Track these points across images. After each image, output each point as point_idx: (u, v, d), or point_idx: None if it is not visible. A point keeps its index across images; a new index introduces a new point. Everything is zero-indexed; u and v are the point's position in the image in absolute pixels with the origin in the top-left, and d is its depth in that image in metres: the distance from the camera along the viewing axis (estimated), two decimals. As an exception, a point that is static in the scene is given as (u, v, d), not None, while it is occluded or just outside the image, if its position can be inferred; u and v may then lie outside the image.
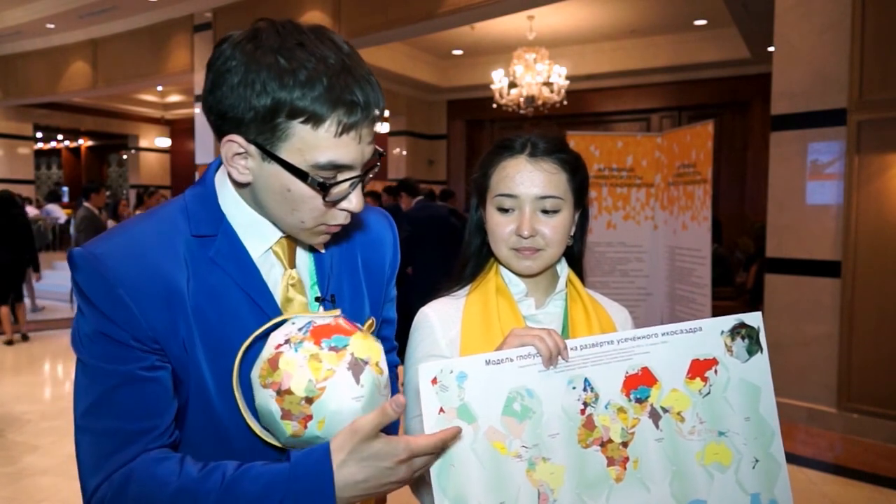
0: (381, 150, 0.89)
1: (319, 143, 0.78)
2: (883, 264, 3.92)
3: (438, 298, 1.12)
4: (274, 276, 0.90)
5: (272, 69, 0.76)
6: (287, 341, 0.80)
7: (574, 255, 1.15)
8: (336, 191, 0.82)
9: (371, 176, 0.89)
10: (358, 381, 0.79)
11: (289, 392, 0.77)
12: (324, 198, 0.82)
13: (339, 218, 0.86)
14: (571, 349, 0.90)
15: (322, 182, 0.80)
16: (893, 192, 3.90)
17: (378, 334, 1.07)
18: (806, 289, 4.22)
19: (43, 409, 4.55)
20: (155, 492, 0.76)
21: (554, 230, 1.04)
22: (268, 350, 0.81)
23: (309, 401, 0.77)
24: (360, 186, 0.85)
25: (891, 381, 3.91)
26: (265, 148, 0.79)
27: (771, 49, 4.60)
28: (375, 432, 0.75)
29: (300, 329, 0.81)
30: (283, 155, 0.79)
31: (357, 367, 0.79)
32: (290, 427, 0.78)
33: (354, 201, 0.85)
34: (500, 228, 1.05)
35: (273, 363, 0.79)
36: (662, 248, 4.65)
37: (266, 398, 0.79)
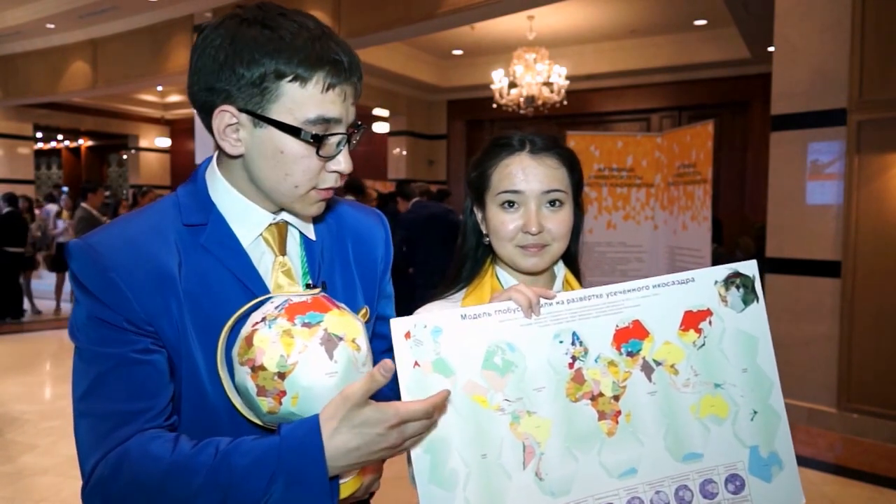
0: (363, 123, 0.93)
1: (307, 99, 0.82)
2: (883, 264, 3.92)
3: (434, 302, 1.12)
4: (265, 263, 0.92)
5: (258, 39, 0.81)
6: (263, 319, 0.81)
7: (570, 255, 1.15)
8: (327, 146, 0.85)
9: (355, 142, 0.91)
10: (331, 357, 0.79)
11: (262, 368, 0.78)
12: (317, 151, 0.84)
13: (330, 180, 0.89)
14: (558, 303, 0.90)
15: (315, 134, 0.83)
16: (893, 192, 3.90)
17: (376, 332, 1.08)
18: (806, 289, 4.22)
19: (42, 409, 4.55)
20: (149, 468, 0.77)
21: (560, 224, 1.05)
22: (245, 328, 0.82)
23: (281, 376, 0.77)
24: (347, 148, 0.88)
25: (891, 381, 3.91)
26: (256, 113, 0.83)
27: (771, 49, 4.60)
28: (365, 399, 0.75)
29: (276, 307, 0.82)
30: (274, 116, 0.82)
31: (330, 342, 0.79)
32: (265, 403, 0.79)
33: (343, 162, 0.88)
34: (505, 226, 1.05)
35: (248, 340, 0.80)
36: (662, 248, 4.65)
37: (243, 375, 0.80)
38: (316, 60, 0.81)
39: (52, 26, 9.46)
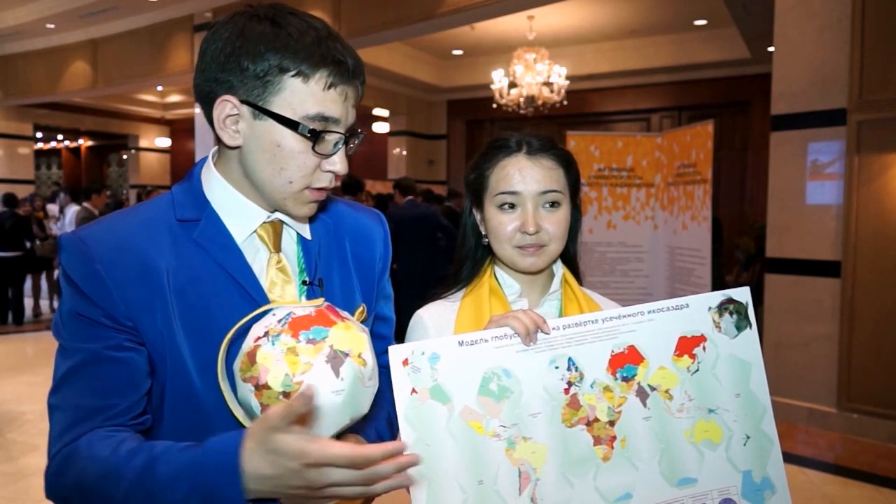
0: (362, 130, 0.93)
1: (309, 95, 0.83)
2: (883, 264, 3.92)
3: (434, 301, 1.13)
4: (260, 260, 0.92)
5: (265, 34, 0.82)
6: (266, 334, 0.78)
7: (569, 255, 1.15)
8: (324, 143, 0.85)
9: (353, 146, 0.91)
10: (338, 375, 0.76)
11: (266, 387, 0.75)
12: (313, 147, 0.84)
13: (324, 180, 0.88)
14: (554, 329, 0.90)
15: (313, 129, 0.83)
16: (893, 192, 3.90)
17: (374, 333, 1.07)
18: (806, 289, 4.22)
19: (42, 408, 4.54)
20: (88, 467, 0.77)
21: (557, 225, 1.05)
22: (248, 343, 0.79)
23: (286, 395, 0.75)
24: (343, 150, 0.88)
25: (891, 381, 3.91)
26: (257, 105, 0.83)
27: (771, 49, 4.60)
28: (284, 424, 0.67)
29: (279, 321, 0.79)
30: (275, 110, 0.83)
31: (336, 359, 0.77)
32: None
33: (339, 164, 0.88)
34: (503, 227, 1.06)
35: (251, 357, 0.77)
36: (662, 248, 4.65)
37: (246, 392, 0.78)
38: (320, 59, 0.82)
39: (52, 26, 9.46)
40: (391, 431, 1.00)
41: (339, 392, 0.76)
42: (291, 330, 0.78)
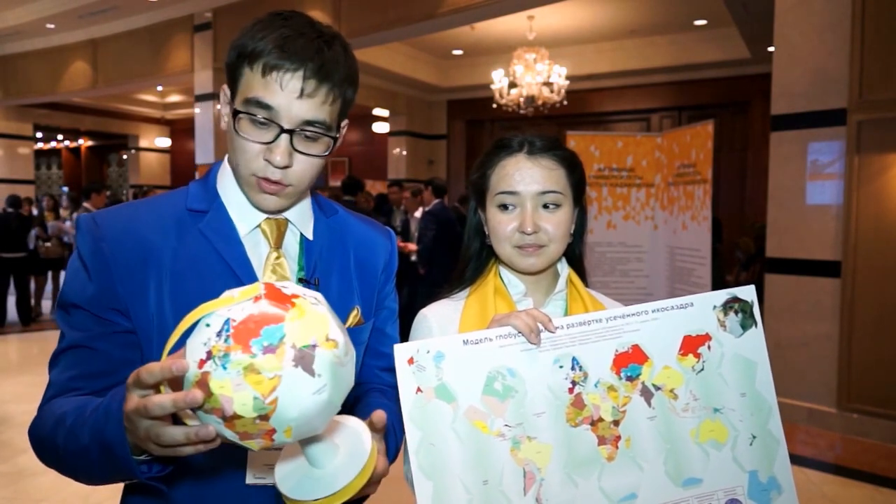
0: (338, 136, 0.93)
1: (250, 80, 0.86)
2: (883, 264, 3.92)
3: (438, 301, 1.13)
4: (260, 255, 0.95)
5: (246, 28, 0.88)
6: (209, 356, 0.63)
7: (575, 255, 1.15)
8: (254, 129, 0.86)
9: (327, 147, 0.90)
10: (313, 374, 0.64)
11: (236, 416, 0.63)
12: (234, 127, 0.87)
13: (264, 169, 0.88)
14: (558, 328, 0.90)
15: (235, 109, 0.86)
16: (893, 192, 3.90)
17: (378, 350, 1.07)
18: (806, 289, 4.22)
19: (43, 409, 4.55)
20: (45, 420, 0.85)
21: (556, 225, 1.05)
22: (192, 370, 0.64)
23: (264, 418, 0.63)
24: (287, 143, 0.86)
25: (891, 381, 3.91)
26: (229, 91, 0.91)
27: (771, 49, 4.60)
28: (134, 386, 0.68)
29: (218, 333, 0.64)
30: (236, 97, 0.88)
31: (305, 358, 0.64)
32: (255, 444, 0.66)
33: (276, 155, 0.86)
34: (502, 226, 1.06)
35: (204, 388, 0.63)
36: (662, 248, 4.65)
37: (215, 424, 0.65)
38: (266, 44, 0.84)
39: (52, 26, 9.46)
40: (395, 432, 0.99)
41: (320, 391, 0.65)
42: (239, 344, 0.63)
